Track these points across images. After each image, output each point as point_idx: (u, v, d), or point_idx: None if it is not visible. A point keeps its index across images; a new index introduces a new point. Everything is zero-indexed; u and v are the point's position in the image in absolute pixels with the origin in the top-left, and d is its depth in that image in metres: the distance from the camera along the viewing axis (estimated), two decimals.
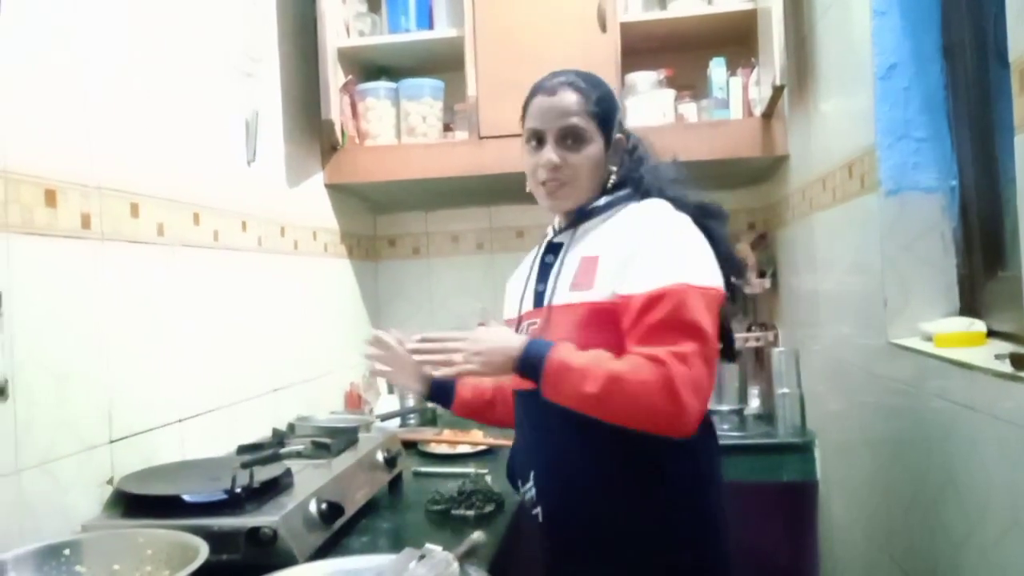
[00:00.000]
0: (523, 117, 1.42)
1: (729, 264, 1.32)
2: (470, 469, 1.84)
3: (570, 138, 1.35)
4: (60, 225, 1.32)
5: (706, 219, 1.33)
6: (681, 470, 1.28)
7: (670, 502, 1.28)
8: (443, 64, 2.56)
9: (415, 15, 2.50)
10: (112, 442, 1.42)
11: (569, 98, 1.36)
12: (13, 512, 1.19)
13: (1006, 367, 1.15)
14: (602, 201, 1.39)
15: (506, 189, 2.64)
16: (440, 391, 1.56)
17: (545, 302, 1.36)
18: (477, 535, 1.33)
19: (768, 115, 2.29)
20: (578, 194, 1.38)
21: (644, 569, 1.27)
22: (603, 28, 2.30)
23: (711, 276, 1.24)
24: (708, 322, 1.20)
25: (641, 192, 1.39)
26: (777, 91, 2.15)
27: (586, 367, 1.19)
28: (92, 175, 1.41)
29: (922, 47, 1.59)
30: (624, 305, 1.23)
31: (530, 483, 1.37)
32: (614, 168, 1.40)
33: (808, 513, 2.31)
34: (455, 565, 1.15)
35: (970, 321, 1.47)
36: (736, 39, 2.45)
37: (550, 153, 1.35)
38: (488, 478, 1.73)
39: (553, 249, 1.43)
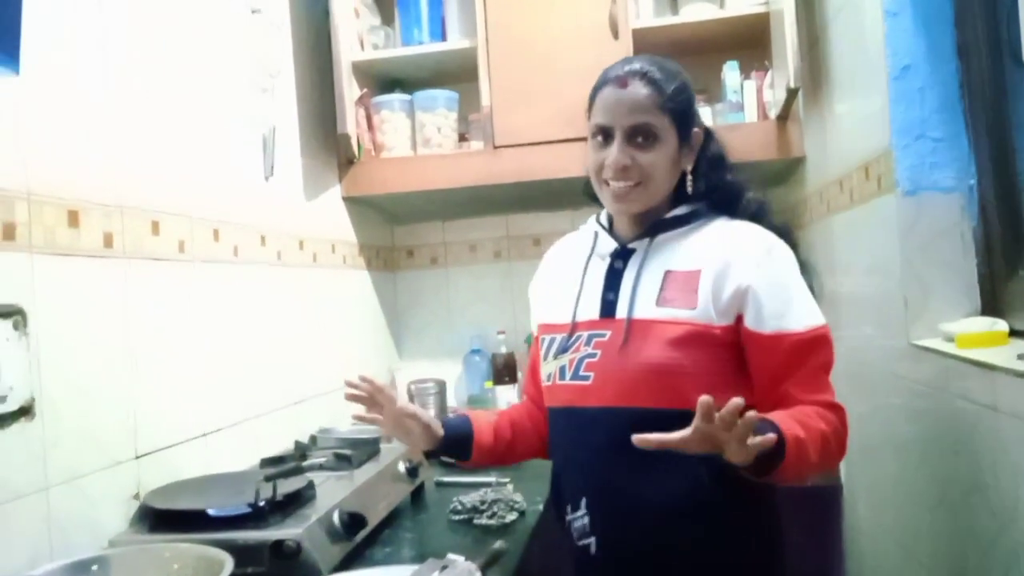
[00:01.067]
0: (589, 108, 1.30)
1: None
2: (491, 478, 1.84)
3: (640, 136, 1.23)
4: (83, 245, 1.35)
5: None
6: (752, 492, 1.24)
7: (744, 527, 1.24)
8: (457, 75, 2.57)
9: (428, 27, 2.52)
10: (138, 457, 1.44)
11: (641, 91, 1.22)
12: (42, 529, 1.21)
13: None
14: (682, 210, 1.29)
15: (522, 197, 2.66)
16: (455, 444, 1.36)
17: (619, 313, 1.25)
18: (499, 544, 1.33)
19: (783, 117, 2.28)
20: (649, 197, 1.26)
21: None
22: (615, 35, 2.30)
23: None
24: None
25: (729, 208, 1.31)
26: (791, 93, 2.14)
27: (807, 435, 1.10)
28: (113, 194, 1.43)
29: (936, 47, 1.58)
30: (767, 339, 1.18)
31: (582, 510, 1.26)
32: (689, 167, 1.29)
33: (833, 517, 2.28)
34: (477, 574, 1.15)
35: (992, 321, 1.45)
36: (749, 42, 2.45)
37: (617, 153, 1.22)
38: (510, 487, 1.73)
39: (622, 255, 1.31)
